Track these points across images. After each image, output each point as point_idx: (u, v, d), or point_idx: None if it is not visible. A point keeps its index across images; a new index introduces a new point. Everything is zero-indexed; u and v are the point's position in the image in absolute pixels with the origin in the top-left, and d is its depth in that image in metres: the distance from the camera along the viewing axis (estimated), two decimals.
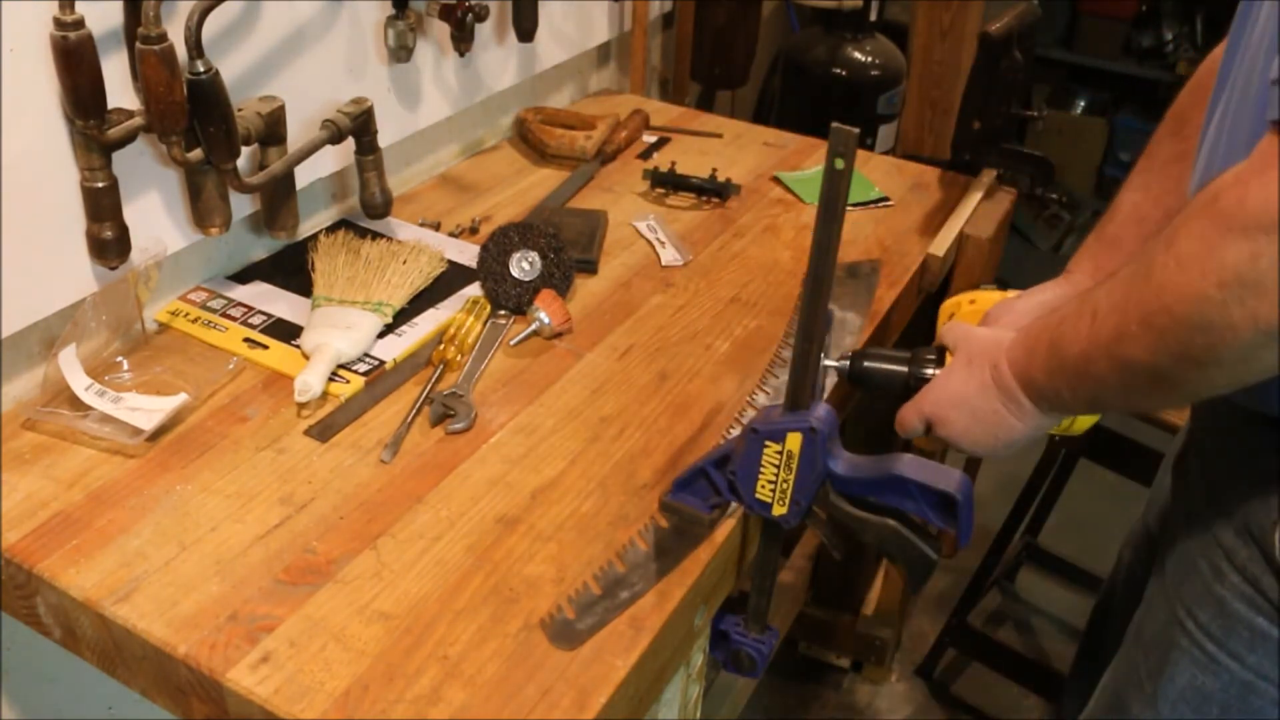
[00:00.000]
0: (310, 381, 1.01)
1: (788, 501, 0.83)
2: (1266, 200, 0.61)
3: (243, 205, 1.17)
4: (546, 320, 1.13)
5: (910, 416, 0.92)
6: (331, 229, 1.28)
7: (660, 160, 1.55)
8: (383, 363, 1.08)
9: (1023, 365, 0.83)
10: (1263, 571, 0.80)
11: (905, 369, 0.95)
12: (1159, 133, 1.00)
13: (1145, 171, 0.99)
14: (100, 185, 0.99)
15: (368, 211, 1.28)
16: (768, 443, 0.81)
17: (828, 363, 0.97)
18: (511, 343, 1.13)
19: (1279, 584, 0.79)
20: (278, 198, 1.19)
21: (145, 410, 0.97)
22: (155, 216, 1.09)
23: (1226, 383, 0.71)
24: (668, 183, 1.45)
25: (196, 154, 1.03)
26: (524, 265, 1.18)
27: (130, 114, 0.99)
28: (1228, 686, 0.85)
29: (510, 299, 1.17)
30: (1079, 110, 3.53)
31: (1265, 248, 0.61)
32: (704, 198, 1.45)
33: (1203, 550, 0.86)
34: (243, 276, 1.21)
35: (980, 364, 0.87)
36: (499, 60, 1.53)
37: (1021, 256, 3.42)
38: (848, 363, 0.97)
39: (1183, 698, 0.88)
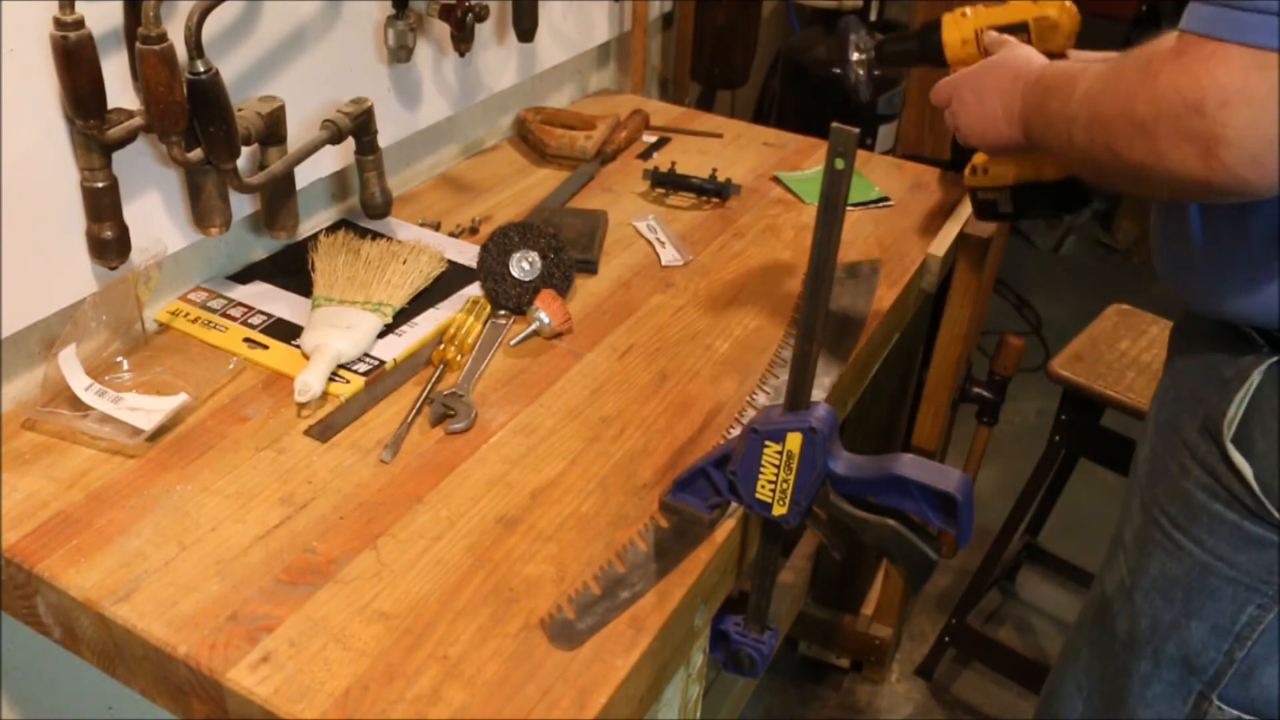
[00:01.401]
0: (310, 381, 1.01)
1: (788, 501, 0.83)
2: (1169, 85, 0.74)
3: (243, 205, 1.17)
4: (546, 320, 1.13)
5: (943, 88, 1.13)
6: (331, 229, 1.28)
7: (660, 160, 1.55)
8: (383, 363, 1.08)
9: (1028, 90, 0.99)
10: (1218, 461, 0.89)
11: (917, 45, 1.24)
12: None
13: None
14: (100, 185, 0.99)
15: (368, 211, 1.28)
16: (768, 443, 0.81)
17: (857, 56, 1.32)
18: (511, 343, 1.13)
19: (1229, 469, 0.88)
20: (278, 198, 1.19)
21: (145, 410, 0.97)
22: (155, 216, 1.09)
23: (1126, 181, 0.83)
24: (668, 183, 1.45)
25: (196, 154, 1.02)
26: (524, 265, 1.18)
27: (130, 114, 0.99)
28: (1190, 570, 0.94)
29: (510, 299, 1.17)
30: None
31: (1162, 113, 0.75)
32: (704, 198, 1.45)
33: (1172, 453, 0.95)
34: (243, 276, 1.21)
35: (1007, 70, 1.04)
36: (499, 60, 1.53)
37: (1021, 256, 3.43)
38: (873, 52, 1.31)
39: (1154, 586, 0.97)
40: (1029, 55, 1.05)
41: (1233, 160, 0.71)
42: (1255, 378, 0.86)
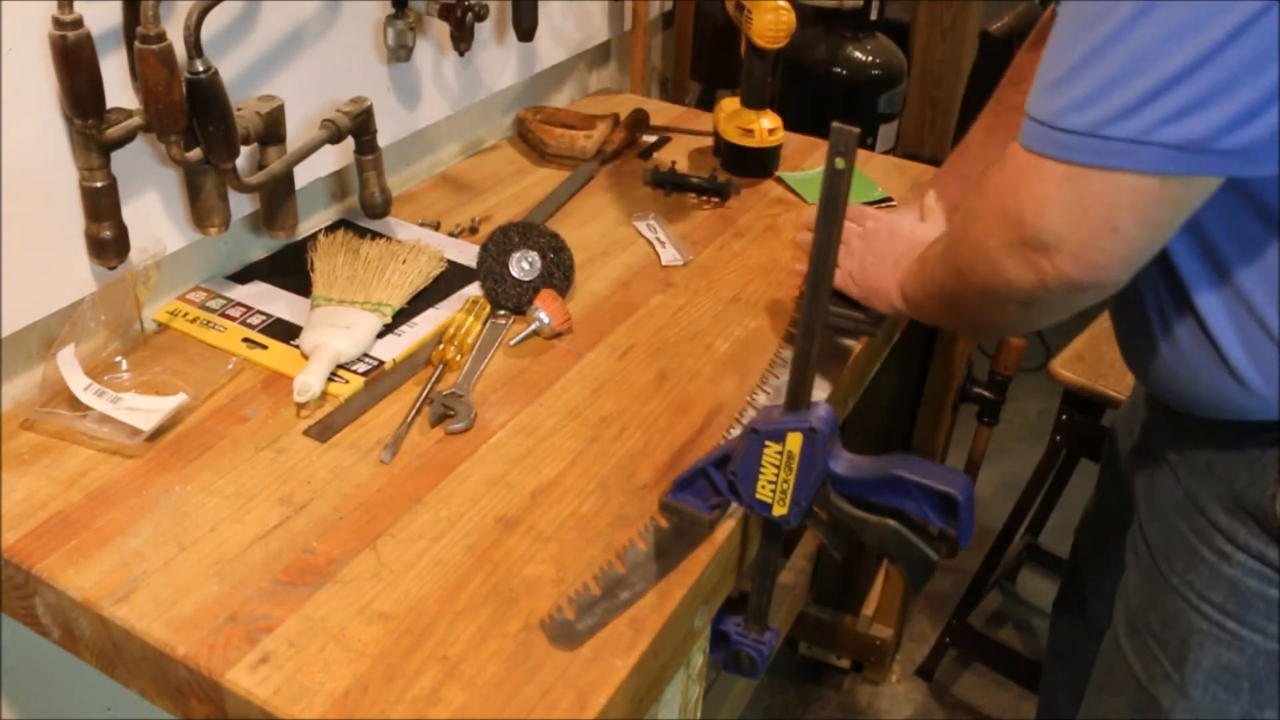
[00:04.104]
0: (309, 381, 1.01)
1: (788, 502, 0.83)
2: (994, 198, 0.78)
3: (242, 205, 1.17)
4: (546, 320, 1.13)
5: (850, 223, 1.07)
6: (331, 229, 1.27)
7: (660, 160, 1.55)
8: (382, 363, 1.08)
9: (911, 267, 1.01)
10: (1266, 545, 0.85)
11: None
12: (1004, 80, 1.13)
13: (991, 115, 1.14)
14: (99, 185, 0.99)
15: (367, 211, 1.27)
16: (768, 443, 0.81)
17: None
18: (511, 343, 1.13)
19: None
20: (277, 197, 1.19)
21: (144, 410, 0.97)
22: (154, 216, 1.08)
23: (983, 303, 0.85)
24: (668, 183, 1.45)
25: (195, 153, 1.02)
26: (524, 265, 1.18)
27: (129, 113, 0.99)
28: (1254, 659, 0.89)
29: (510, 299, 1.17)
30: None
31: (991, 228, 0.78)
32: (704, 198, 1.45)
33: (1200, 537, 0.90)
34: (242, 276, 1.21)
35: (909, 240, 1.05)
36: (499, 60, 1.53)
37: None
38: None
39: (1212, 678, 0.92)
40: (929, 233, 1.05)
41: (1059, 264, 0.74)
42: None
